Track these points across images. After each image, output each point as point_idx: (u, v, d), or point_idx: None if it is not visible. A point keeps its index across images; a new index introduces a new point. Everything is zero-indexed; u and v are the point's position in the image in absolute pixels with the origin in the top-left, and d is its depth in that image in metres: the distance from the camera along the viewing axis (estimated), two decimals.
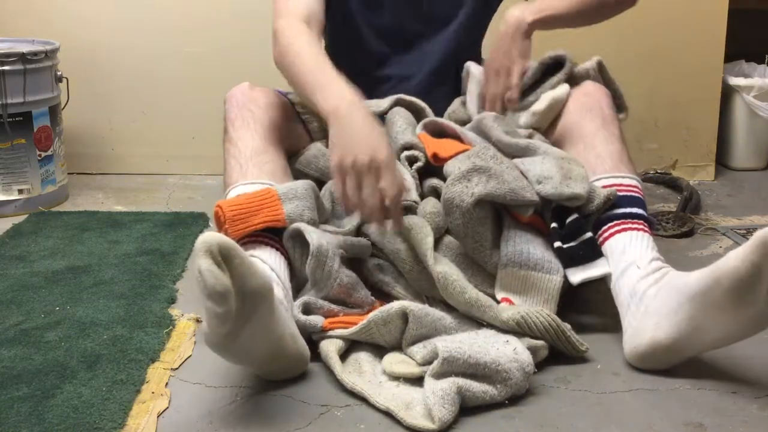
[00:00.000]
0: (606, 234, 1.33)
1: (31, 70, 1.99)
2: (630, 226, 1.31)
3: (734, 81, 2.38)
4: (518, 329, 1.19)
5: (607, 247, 1.31)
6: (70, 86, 2.16)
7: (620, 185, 1.36)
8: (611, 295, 1.32)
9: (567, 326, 1.23)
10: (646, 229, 1.32)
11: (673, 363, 1.22)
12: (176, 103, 2.31)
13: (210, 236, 0.98)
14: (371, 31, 1.63)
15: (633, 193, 1.36)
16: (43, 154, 2.04)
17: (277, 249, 1.29)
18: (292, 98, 1.55)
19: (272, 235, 1.30)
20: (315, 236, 1.24)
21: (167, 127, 2.33)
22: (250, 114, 1.40)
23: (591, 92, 1.46)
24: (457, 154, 1.41)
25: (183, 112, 2.30)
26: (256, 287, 1.03)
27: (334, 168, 1.20)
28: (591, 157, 1.39)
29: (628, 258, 1.28)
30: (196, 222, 1.91)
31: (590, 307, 1.43)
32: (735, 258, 1.09)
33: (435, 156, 1.41)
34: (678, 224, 1.90)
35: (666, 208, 2.06)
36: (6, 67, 1.95)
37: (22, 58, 1.97)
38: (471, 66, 1.63)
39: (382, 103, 1.55)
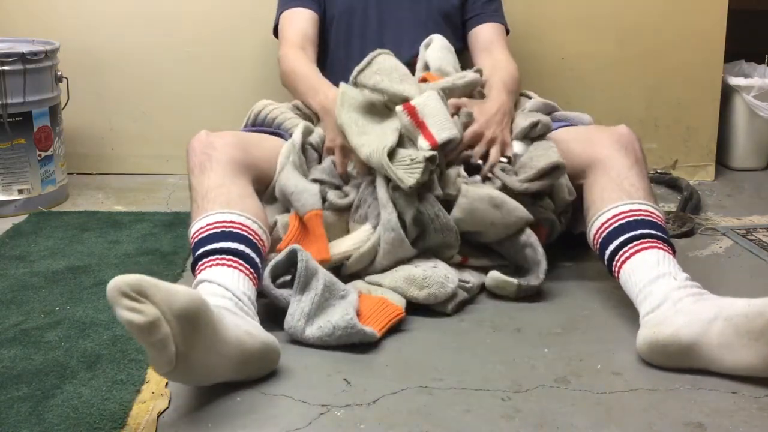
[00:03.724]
0: (641, 246, 1.36)
1: (31, 70, 1.99)
2: (664, 247, 1.36)
3: (734, 81, 2.38)
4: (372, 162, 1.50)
5: (639, 257, 1.35)
6: (70, 86, 2.16)
7: (653, 213, 1.42)
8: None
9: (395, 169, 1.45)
10: (674, 258, 1.36)
11: (678, 365, 1.23)
12: (176, 103, 2.31)
13: (117, 280, 0.99)
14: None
15: (662, 224, 1.42)
16: (43, 154, 2.04)
17: (235, 267, 1.30)
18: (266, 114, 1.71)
19: (231, 256, 1.31)
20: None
21: (167, 127, 2.33)
22: (207, 158, 1.46)
23: (625, 134, 1.55)
24: None
25: (183, 112, 2.30)
26: (185, 304, 1.04)
27: (328, 145, 1.64)
28: (626, 184, 1.46)
29: (663, 269, 1.31)
30: None
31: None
32: None
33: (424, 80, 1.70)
34: (678, 224, 1.90)
35: (666, 208, 2.06)
36: (6, 67, 1.95)
37: (22, 58, 1.97)
38: (435, 38, 1.79)
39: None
